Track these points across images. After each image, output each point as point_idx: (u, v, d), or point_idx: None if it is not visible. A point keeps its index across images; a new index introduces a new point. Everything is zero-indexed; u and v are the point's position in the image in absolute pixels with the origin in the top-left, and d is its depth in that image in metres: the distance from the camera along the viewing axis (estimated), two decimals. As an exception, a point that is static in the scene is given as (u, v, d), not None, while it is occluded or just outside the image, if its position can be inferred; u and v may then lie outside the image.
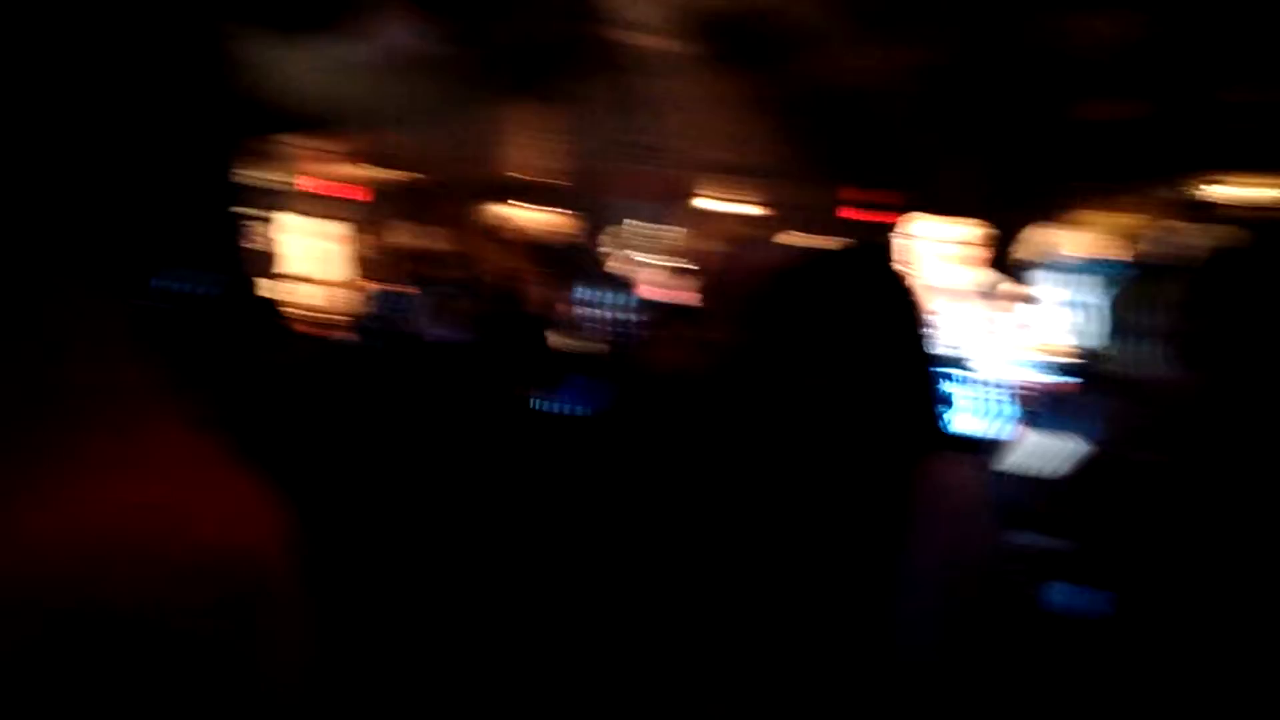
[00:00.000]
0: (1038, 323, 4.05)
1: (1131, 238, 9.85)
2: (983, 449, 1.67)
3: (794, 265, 1.86)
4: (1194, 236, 5.38)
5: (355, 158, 13.12)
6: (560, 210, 8.60)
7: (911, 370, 1.76)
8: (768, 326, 1.78)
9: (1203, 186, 16.89)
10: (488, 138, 11.57)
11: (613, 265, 6.55)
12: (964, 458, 1.66)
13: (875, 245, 2.05)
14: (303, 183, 14.51)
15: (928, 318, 1.83)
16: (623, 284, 6.16)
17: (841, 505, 1.67)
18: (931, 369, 1.80)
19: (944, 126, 11.94)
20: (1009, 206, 16.37)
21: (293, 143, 12.06)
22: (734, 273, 2.40)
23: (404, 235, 16.04)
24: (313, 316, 7.81)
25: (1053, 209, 17.77)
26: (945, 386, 1.88)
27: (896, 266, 1.88)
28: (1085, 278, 3.94)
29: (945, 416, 1.78)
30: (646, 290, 6.34)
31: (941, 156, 14.08)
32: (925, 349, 1.80)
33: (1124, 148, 15.05)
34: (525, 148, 12.99)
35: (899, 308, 1.81)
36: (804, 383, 1.72)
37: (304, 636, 0.79)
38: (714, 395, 2.56)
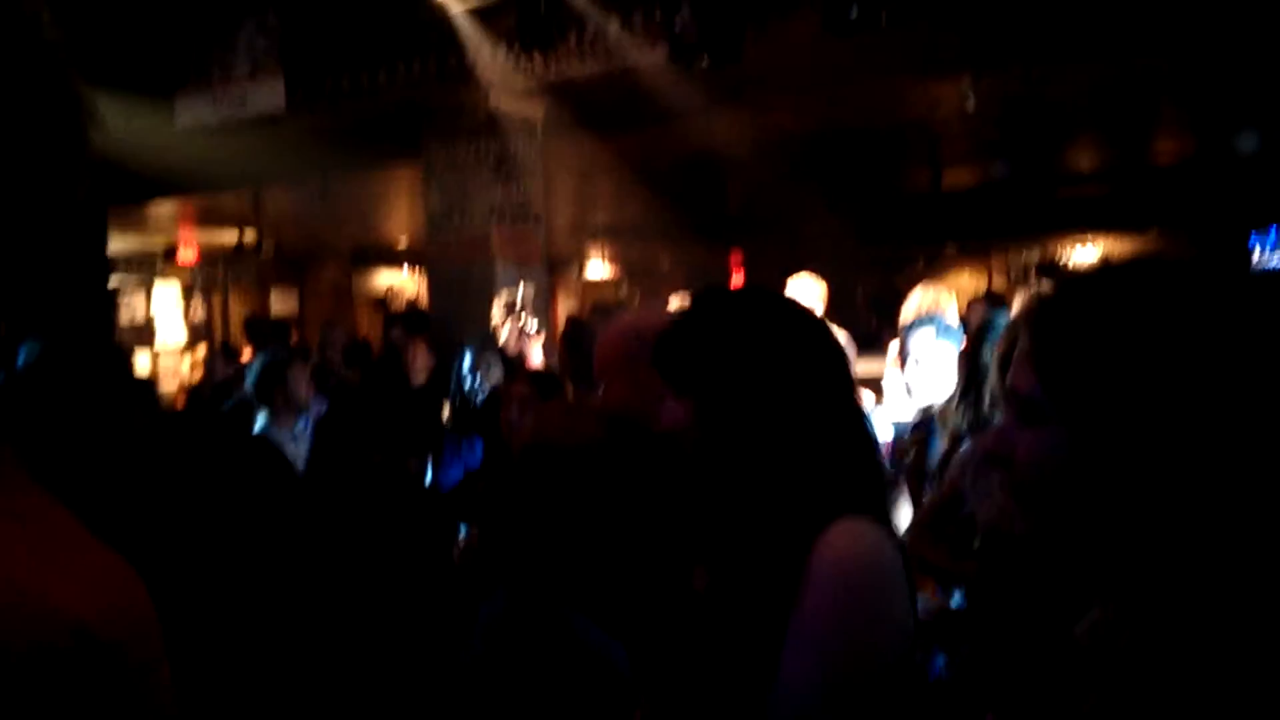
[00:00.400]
0: (903, 381, 4.10)
1: (986, 298, 10.20)
2: (888, 512, 1.54)
3: (694, 318, 1.74)
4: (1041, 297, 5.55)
5: (218, 221, 12.80)
6: (429, 274, 8.47)
7: (828, 427, 1.63)
8: (667, 381, 1.70)
9: (1054, 248, 17.68)
10: (355, 202, 11.42)
11: (485, 330, 6.43)
12: (868, 524, 1.53)
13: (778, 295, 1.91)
14: (164, 247, 14.11)
15: (849, 370, 1.74)
16: (495, 349, 6.06)
17: (734, 568, 1.59)
18: (853, 424, 1.68)
19: (812, 191, 12.25)
20: (873, 267, 16.87)
21: (154, 207, 11.72)
22: (616, 335, 2.32)
23: (268, 300, 15.73)
24: (170, 384, 7.49)
25: (914, 269, 18.37)
26: (868, 443, 1.73)
27: (812, 316, 1.76)
28: (944, 337, 3.98)
29: (865, 475, 1.64)
30: (519, 355, 6.26)
31: (810, 219, 14.44)
32: (847, 403, 1.70)
33: (981, 211, 15.68)
34: (393, 212, 12.86)
35: (817, 359, 1.71)
36: (703, 445, 1.65)
37: (164, 702, 0.81)
38: (598, 461, 2.47)
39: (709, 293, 1.79)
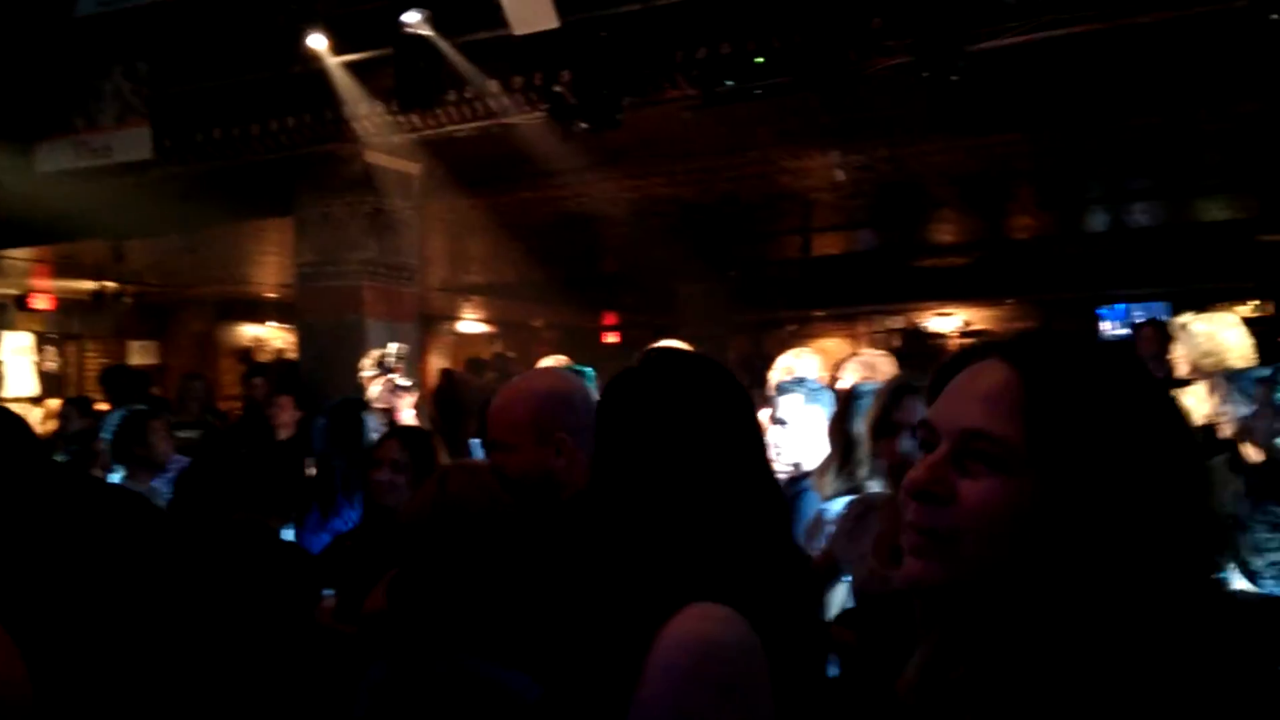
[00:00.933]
0: (772, 442, 4.16)
1: (855, 362, 10.47)
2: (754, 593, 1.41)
3: (650, 377, 1.66)
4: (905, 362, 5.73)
5: (76, 270, 12.35)
6: (299, 327, 8.30)
7: (740, 505, 1.56)
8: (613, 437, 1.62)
9: (915, 315, 18.31)
10: (221, 252, 11.16)
11: (358, 387, 6.31)
12: (720, 609, 1.42)
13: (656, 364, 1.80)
14: (17, 295, 13.52)
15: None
16: (367, 407, 5.97)
17: (579, 652, 1.55)
18: (760, 506, 1.60)
19: (686, 254, 12.44)
20: (744, 330, 17.18)
21: (7, 254, 11.25)
22: (522, 398, 2.26)
23: (126, 350, 15.17)
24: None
25: (784, 333, 18.75)
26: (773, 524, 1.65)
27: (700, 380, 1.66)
28: (813, 401, 4.06)
29: (748, 557, 1.54)
30: (390, 412, 6.16)
31: (684, 282, 14.66)
32: (765, 485, 1.64)
33: (847, 279, 16.15)
34: (261, 263, 12.59)
35: (751, 438, 1.66)
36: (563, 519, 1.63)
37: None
38: (508, 526, 2.44)
39: (661, 354, 1.72)
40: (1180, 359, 4.57)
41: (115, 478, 4.90)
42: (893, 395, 2.77)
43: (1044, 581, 0.98)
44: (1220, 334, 4.46)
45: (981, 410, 1.01)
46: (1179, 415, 1.01)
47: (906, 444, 2.67)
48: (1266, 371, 3.55)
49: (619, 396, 1.64)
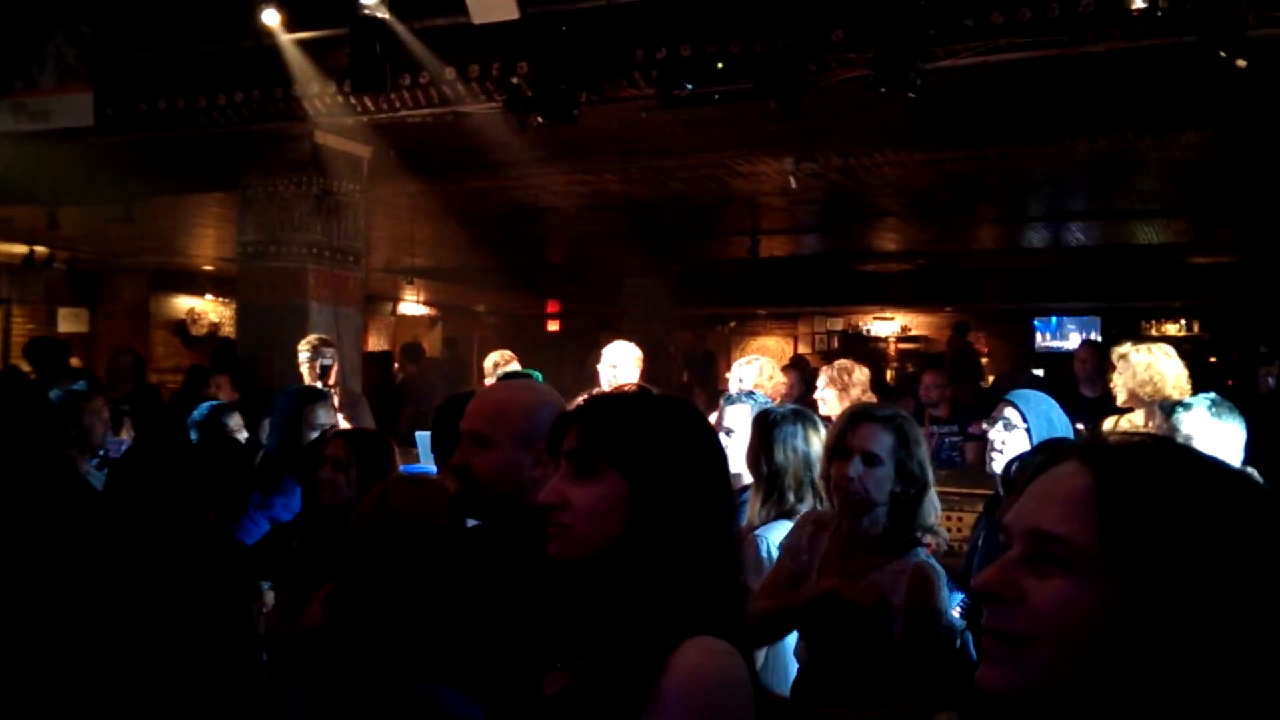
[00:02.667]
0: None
1: (793, 363, 10.57)
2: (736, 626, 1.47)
3: (636, 399, 1.69)
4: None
5: (5, 233, 12.03)
6: (239, 305, 8.16)
7: (715, 539, 1.62)
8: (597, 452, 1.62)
9: (856, 318, 18.50)
10: (159, 221, 10.93)
11: (302, 371, 6.20)
12: (720, 644, 1.50)
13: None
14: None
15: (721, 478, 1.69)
16: (313, 395, 5.89)
17: (587, 679, 1.56)
18: (717, 527, 1.64)
19: (634, 249, 12.44)
20: (687, 325, 17.23)
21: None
22: (504, 404, 2.22)
23: (62, 319, 14.81)
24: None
25: (726, 330, 18.85)
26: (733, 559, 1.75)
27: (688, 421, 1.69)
28: (756, 408, 4.09)
29: (727, 591, 1.62)
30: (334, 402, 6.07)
31: (629, 276, 14.65)
32: (727, 521, 1.67)
33: (791, 280, 16.27)
34: (200, 235, 12.36)
35: (722, 474, 1.69)
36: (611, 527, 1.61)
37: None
38: (450, 544, 2.41)
39: (642, 389, 1.76)
40: (1119, 387, 4.76)
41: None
42: (849, 420, 2.80)
43: (1123, 695, 0.97)
44: (1158, 364, 4.64)
45: (1055, 512, 1.01)
46: (1260, 516, 0.99)
47: (856, 469, 2.71)
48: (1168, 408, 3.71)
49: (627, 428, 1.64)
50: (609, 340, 6.21)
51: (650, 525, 1.57)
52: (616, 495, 1.58)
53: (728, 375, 5.81)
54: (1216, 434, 3.44)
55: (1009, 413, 3.57)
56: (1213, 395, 3.62)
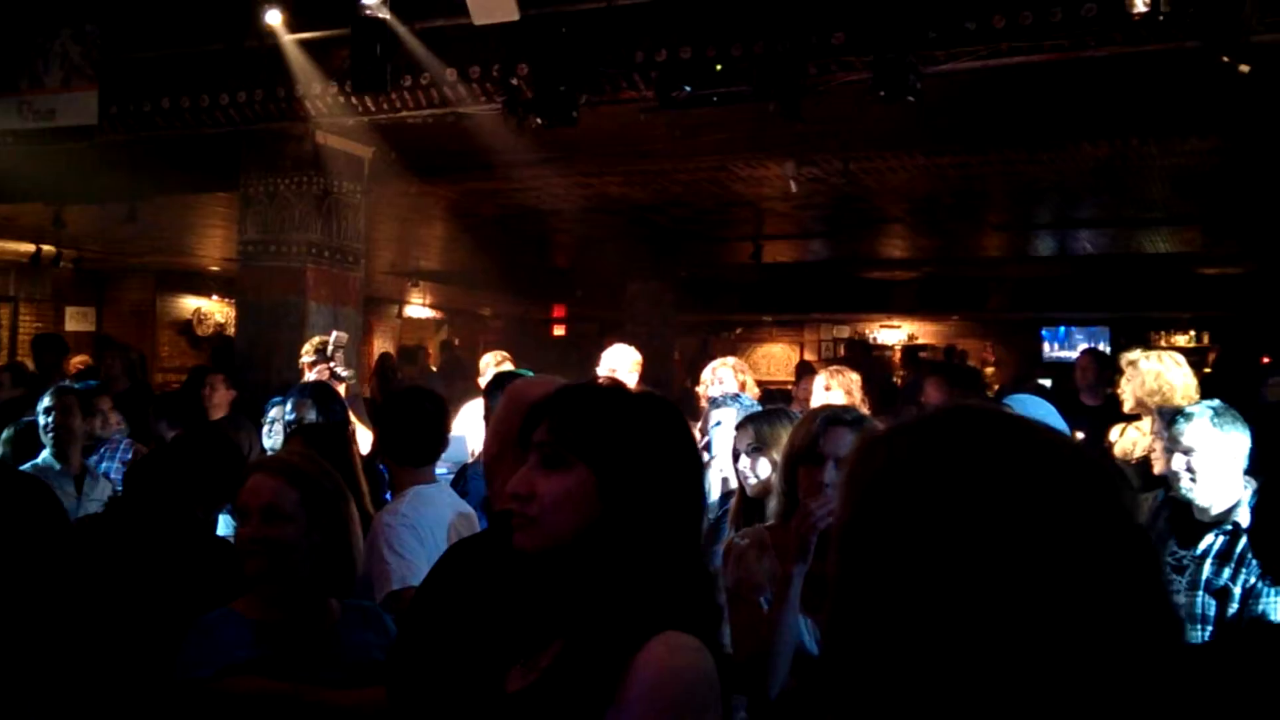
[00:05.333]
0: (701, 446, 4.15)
1: (799, 367, 10.53)
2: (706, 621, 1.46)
3: (602, 391, 1.70)
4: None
5: (14, 232, 12.06)
6: (238, 305, 8.16)
7: (684, 532, 1.62)
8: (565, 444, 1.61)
9: (862, 325, 18.45)
10: (165, 221, 10.95)
11: (293, 365, 6.21)
12: (689, 640, 1.50)
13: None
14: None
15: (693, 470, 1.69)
16: (315, 391, 5.88)
17: (554, 672, 1.54)
18: (686, 524, 1.64)
19: (638, 254, 12.42)
20: (691, 331, 17.20)
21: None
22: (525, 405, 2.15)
23: (69, 319, 14.85)
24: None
25: (731, 336, 18.81)
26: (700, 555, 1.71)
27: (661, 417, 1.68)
28: (742, 411, 4.07)
29: (697, 587, 1.61)
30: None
31: (633, 281, 14.62)
32: (683, 500, 1.65)
33: (796, 287, 16.24)
34: (205, 235, 12.38)
35: (695, 468, 1.69)
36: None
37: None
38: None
39: (614, 384, 1.77)
40: (1127, 394, 4.64)
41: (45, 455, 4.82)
42: (822, 424, 2.73)
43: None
44: (1167, 373, 4.53)
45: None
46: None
47: (830, 474, 2.65)
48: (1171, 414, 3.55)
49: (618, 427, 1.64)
50: (612, 344, 6.19)
51: (617, 518, 1.56)
52: (583, 487, 1.57)
53: (698, 388, 5.72)
54: (1220, 444, 3.27)
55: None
56: (1215, 403, 3.45)
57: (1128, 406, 4.70)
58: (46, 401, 4.81)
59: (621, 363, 5.95)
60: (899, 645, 0.89)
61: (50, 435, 4.77)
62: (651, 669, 1.45)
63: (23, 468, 4.81)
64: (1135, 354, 4.72)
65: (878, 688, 0.91)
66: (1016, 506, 0.88)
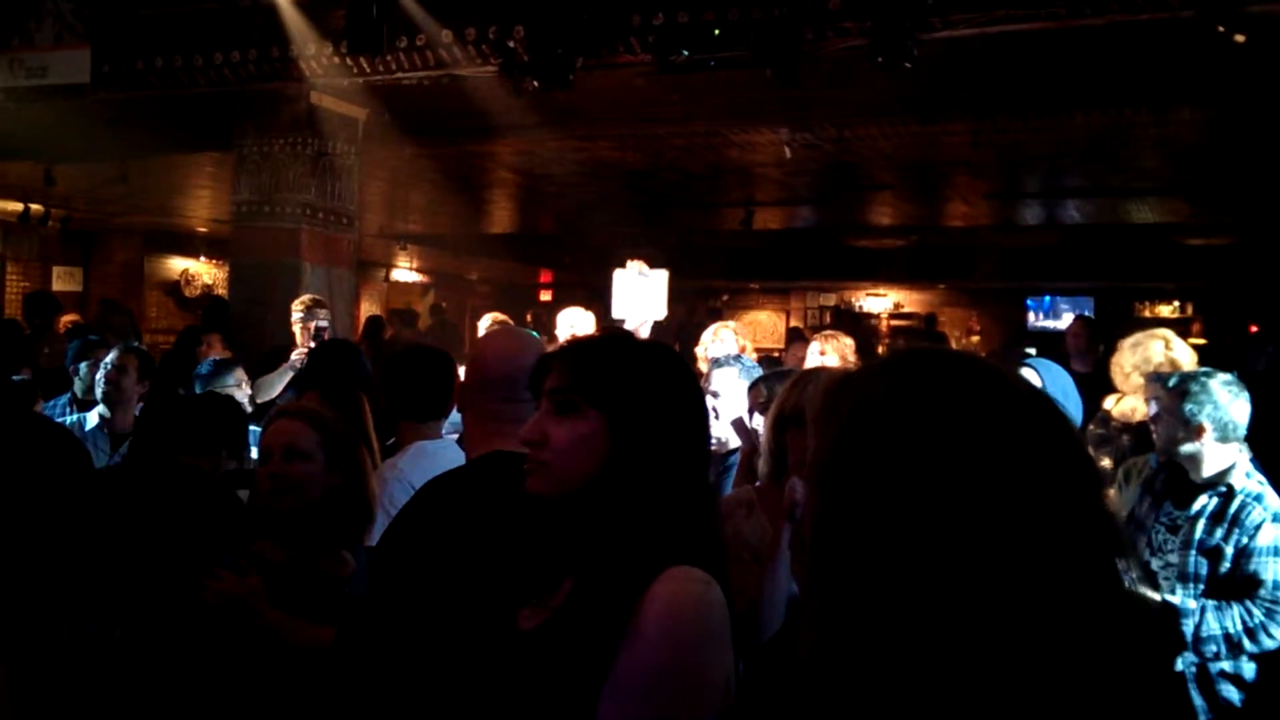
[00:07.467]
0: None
1: (789, 333, 10.59)
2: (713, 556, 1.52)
3: (614, 340, 1.78)
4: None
5: (8, 191, 11.97)
6: (231, 265, 8.16)
7: (692, 471, 1.67)
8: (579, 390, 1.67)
9: (849, 293, 18.50)
10: (154, 181, 10.90)
11: (295, 331, 6.20)
12: (700, 574, 1.54)
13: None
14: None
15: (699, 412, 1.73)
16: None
17: (566, 608, 1.59)
18: (694, 467, 1.69)
19: (628, 219, 12.43)
20: (681, 297, 17.21)
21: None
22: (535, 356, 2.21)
23: (56, 278, 14.75)
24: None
25: (720, 302, 18.84)
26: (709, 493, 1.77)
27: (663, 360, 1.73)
28: (745, 377, 4.10)
29: (705, 523, 1.65)
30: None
31: (623, 247, 14.62)
32: (691, 444, 1.70)
33: (785, 254, 16.27)
34: (195, 196, 12.32)
35: (701, 410, 1.73)
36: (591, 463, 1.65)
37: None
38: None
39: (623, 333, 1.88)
40: (1126, 368, 4.51)
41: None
42: (806, 386, 2.73)
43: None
44: (1174, 353, 4.38)
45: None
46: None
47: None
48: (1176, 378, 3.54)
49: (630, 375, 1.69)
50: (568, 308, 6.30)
51: (628, 461, 1.61)
52: (595, 433, 1.62)
53: (697, 349, 5.78)
54: (1236, 410, 3.28)
55: (1028, 375, 3.52)
56: (1229, 376, 3.43)
57: (1118, 380, 4.58)
58: (110, 358, 4.87)
59: (582, 326, 6.05)
60: (886, 575, 0.96)
61: (102, 391, 4.84)
62: (662, 601, 1.50)
63: (68, 420, 4.90)
64: (1139, 336, 4.55)
65: (868, 620, 0.97)
66: (989, 433, 0.97)
